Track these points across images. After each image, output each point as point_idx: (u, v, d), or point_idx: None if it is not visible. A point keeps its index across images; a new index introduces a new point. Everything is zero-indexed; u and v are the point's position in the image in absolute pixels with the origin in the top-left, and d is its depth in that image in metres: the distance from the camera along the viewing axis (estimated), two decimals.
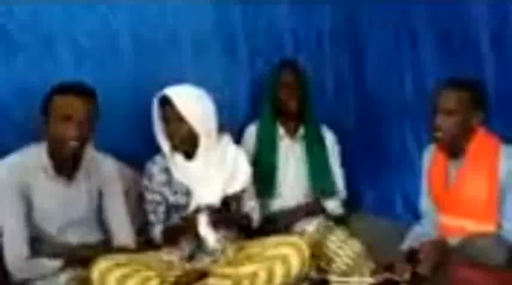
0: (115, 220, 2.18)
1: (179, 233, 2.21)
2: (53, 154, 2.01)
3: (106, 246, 2.13)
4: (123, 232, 2.18)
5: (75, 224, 2.09)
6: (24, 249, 1.96)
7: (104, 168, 2.17)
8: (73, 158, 2.04)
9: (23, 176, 1.97)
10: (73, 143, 1.95)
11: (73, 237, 2.09)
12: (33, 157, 2.01)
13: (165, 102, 2.18)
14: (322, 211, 2.64)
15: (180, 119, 2.16)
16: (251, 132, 2.68)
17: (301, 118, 2.67)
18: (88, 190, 2.12)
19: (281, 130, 2.66)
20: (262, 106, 2.70)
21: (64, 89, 1.97)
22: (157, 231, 2.27)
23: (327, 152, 2.71)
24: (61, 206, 2.05)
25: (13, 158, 2.00)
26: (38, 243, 2.01)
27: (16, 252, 1.96)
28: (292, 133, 2.68)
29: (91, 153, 2.13)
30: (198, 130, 2.18)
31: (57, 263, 1.99)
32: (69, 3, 2.46)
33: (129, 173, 2.43)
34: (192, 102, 2.19)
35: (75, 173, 2.08)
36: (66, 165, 2.05)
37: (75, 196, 2.08)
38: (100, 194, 2.17)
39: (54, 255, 2.00)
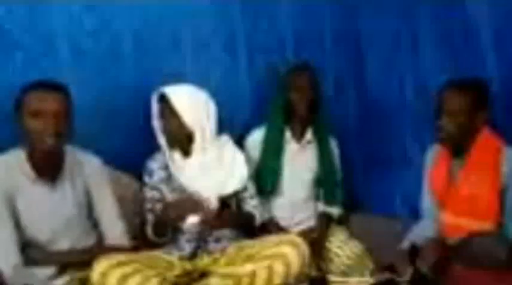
0: (105, 219, 2.11)
1: (163, 223, 2.20)
2: (32, 157, 1.95)
3: (100, 249, 2.06)
4: (115, 231, 2.11)
5: (65, 228, 2.02)
6: (15, 257, 1.91)
7: (88, 168, 2.09)
8: (53, 159, 1.98)
9: (6, 184, 1.91)
10: (50, 140, 1.88)
11: (65, 242, 2.03)
12: (13, 163, 1.94)
13: (162, 98, 2.23)
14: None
15: (173, 114, 2.20)
16: (257, 136, 2.63)
17: (310, 122, 2.64)
18: (74, 192, 2.05)
19: (288, 134, 2.63)
20: (271, 109, 2.64)
21: (33, 86, 1.93)
22: (149, 227, 2.27)
23: (334, 161, 2.69)
24: (48, 212, 1.98)
25: None
26: (30, 250, 1.96)
27: (8, 261, 1.90)
28: (299, 137, 2.64)
29: (73, 153, 2.05)
30: (191, 127, 2.21)
31: (48, 271, 1.93)
32: (69, 3, 2.46)
33: (126, 180, 2.43)
34: (186, 98, 2.22)
35: (59, 176, 2.01)
36: (47, 167, 1.97)
37: (61, 200, 2.01)
38: (88, 195, 2.10)
39: (47, 262, 1.95)
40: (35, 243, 1.99)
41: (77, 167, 2.06)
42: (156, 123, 2.28)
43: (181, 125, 2.21)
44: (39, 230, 1.98)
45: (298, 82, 2.57)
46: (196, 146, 2.24)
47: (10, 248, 1.91)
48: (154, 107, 2.27)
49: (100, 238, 2.13)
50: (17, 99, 1.93)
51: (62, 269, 1.96)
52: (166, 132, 2.25)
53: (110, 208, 2.12)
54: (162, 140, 2.28)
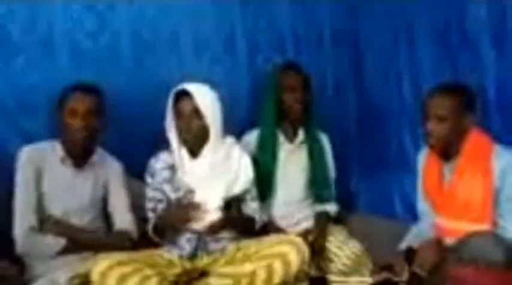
0: (117, 208, 2.32)
1: (169, 225, 2.21)
2: (66, 145, 2.23)
3: (109, 233, 2.29)
4: (124, 218, 2.31)
5: (79, 211, 2.24)
6: (32, 220, 2.12)
7: (110, 169, 2.33)
8: (83, 149, 2.23)
9: (39, 160, 2.19)
10: (81, 132, 2.16)
11: (76, 223, 2.23)
12: (48, 147, 2.23)
13: (183, 96, 2.19)
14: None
15: (197, 113, 2.17)
16: (250, 139, 2.61)
17: (301, 122, 2.63)
18: (94, 184, 2.29)
19: (281, 135, 2.61)
20: (264, 110, 2.61)
21: (72, 88, 2.21)
22: (150, 226, 2.26)
23: (326, 158, 2.69)
24: (67, 190, 2.22)
25: (34, 146, 2.22)
26: (47, 222, 2.17)
27: (23, 223, 2.11)
28: (291, 137, 2.63)
29: (102, 154, 2.32)
30: (210, 127, 2.19)
31: (61, 241, 2.13)
32: (69, 3, 2.46)
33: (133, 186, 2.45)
34: (209, 99, 2.20)
35: (85, 165, 2.27)
36: (77, 153, 2.24)
37: (81, 184, 2.26)
38: (105, 191, 2.32)
39: (60, 234, 2.15)
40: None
41: (102, 165, 2.32)
42: (169, 122, 2.23)
43: (202, 125, 2.17)
44: (55, 206, 2.20)
45: (291, 82, 2.54)
46: (210, 147, 2.22)
47: (28, 211, 2.13)
48: (170, 105, 2.22)
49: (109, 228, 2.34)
50: (59, 98, 2.20)
51: (70, 245, 2.15)
52: (186, 131, 2.19)
53: (122, 201, 2.34)
54: (173, 139, 2.25)
